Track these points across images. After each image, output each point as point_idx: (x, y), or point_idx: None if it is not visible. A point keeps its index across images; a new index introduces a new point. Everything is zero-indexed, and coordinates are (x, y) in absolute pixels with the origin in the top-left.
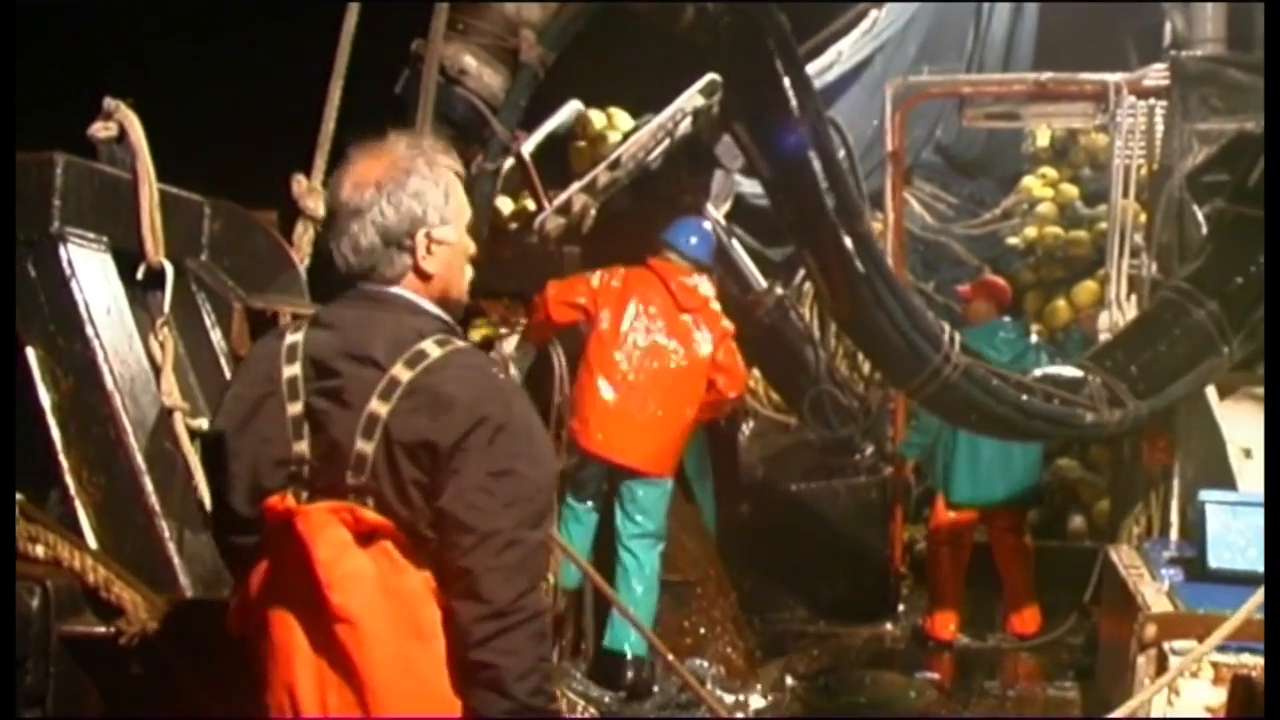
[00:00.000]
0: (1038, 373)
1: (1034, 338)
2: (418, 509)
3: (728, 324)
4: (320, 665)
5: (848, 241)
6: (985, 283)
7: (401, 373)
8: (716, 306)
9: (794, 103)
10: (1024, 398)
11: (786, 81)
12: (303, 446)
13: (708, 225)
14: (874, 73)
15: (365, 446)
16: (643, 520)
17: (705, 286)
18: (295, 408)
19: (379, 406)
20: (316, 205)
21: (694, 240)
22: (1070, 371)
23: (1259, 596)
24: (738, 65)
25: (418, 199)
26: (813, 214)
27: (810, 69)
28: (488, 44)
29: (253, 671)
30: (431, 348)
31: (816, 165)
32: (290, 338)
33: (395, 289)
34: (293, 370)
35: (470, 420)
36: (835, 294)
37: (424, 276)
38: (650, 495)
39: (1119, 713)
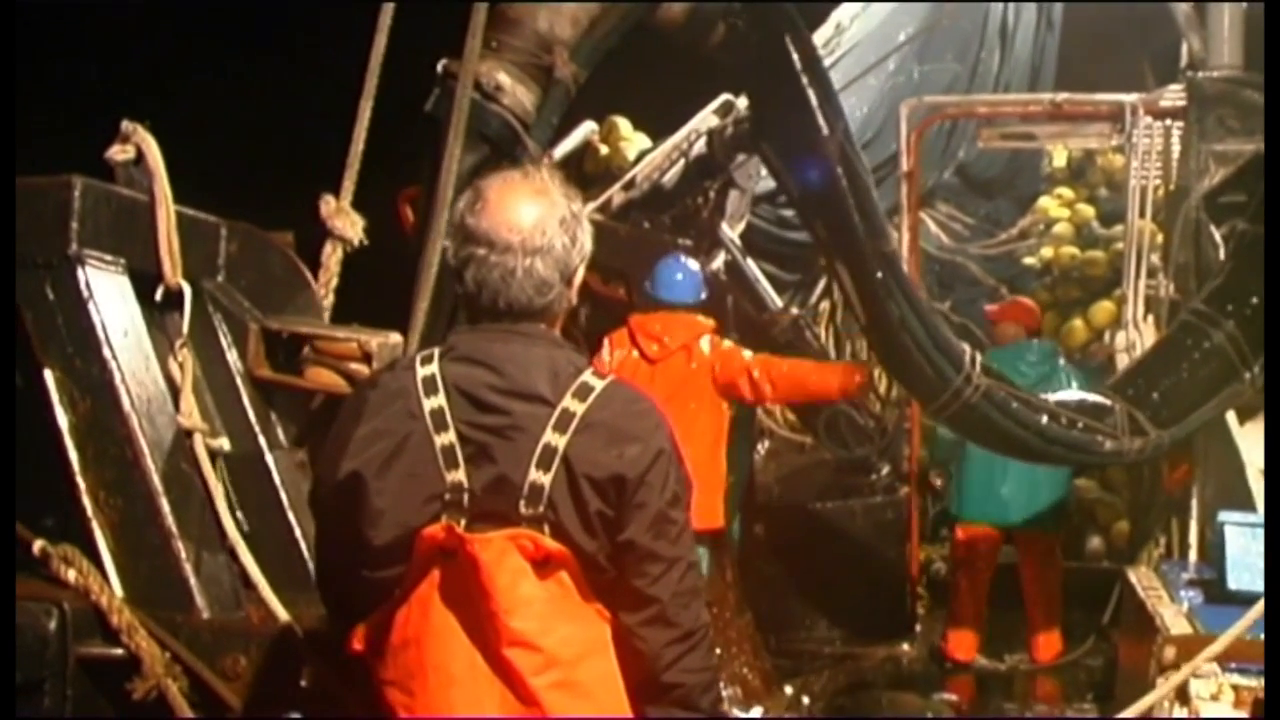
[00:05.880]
0: (1064, 397)
1: (1061, 360)
2: (600, 539)
3: (716, 347)
4: (485, 687)
5: (874, 262)
6: (1016, 304)
7: (573, 405)
8: (705, 343)
9: (823, 123)
10: (1045, 421)
11: (815, 101)
12: (459, 475)
13: (691, 262)
14: (862, 54)
15: (541, 478)
16: None
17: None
18: (445, 438)
19: (555, 439)
20: (345, 226)
21: (679, 277)
22: (1096, 399)
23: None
24: (766, 85)
25: (586, 237)
26: (843, 233)
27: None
28: (521, 61)
29: (373, 695)
30: (593, 380)
31: (845, 185)
32: (424, 370)
33: (540, 324)
34: (436, 402)
35: (651, 453)
36: (862, 312)
37: (566, 311)
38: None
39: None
